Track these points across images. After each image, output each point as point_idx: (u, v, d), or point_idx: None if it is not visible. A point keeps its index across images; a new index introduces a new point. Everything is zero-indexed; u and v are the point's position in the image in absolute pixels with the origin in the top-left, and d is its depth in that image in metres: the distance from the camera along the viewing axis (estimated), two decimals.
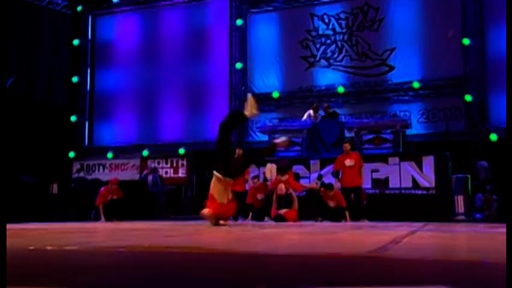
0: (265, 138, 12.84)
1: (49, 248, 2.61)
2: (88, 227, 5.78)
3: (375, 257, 1.92)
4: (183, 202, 14.57)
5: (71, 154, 15.56)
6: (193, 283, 1.46)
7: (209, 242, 3.18)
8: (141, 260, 2.08)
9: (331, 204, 9.16)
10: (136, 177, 14.39)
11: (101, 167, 15.25)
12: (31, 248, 2.55)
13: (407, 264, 1.72)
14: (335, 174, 9.58)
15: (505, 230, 5.06)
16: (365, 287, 1.32)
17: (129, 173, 14.81)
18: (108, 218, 10.13)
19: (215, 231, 4.70)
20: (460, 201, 10.21)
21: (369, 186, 10.30)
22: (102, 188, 10.70)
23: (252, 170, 10.27)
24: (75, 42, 16.25)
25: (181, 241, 3.25)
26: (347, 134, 11.52)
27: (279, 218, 8.66)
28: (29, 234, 4.07)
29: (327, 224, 7.40)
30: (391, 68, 13.53)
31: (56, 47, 15.93)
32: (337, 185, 9.36)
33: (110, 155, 15.28)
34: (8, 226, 5.42)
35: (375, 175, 10.49)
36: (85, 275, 1.61)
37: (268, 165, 9.36)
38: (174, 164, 14.70)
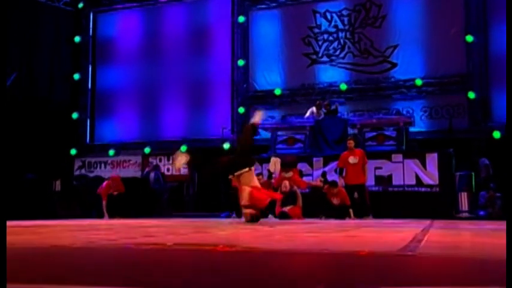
0: (267, 135, 12.81)
1: (76, 245, 2.58)
2: (97, 224, 5.76)
3: (414, 255, 1.89)
4: (185, 199, 14.56)
5: (73, 151, 15.52)
6: (243, 283, 1.43)
7: (232, 239, 3.15)
8: (182, 258, 2.04)
9: (335, 201, 9.15)
10: (138, 174, 14.37)
11: (103, 164, 15.22)
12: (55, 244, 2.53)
13: (450, 263, 1.69)
14: (339, 171, 9.56)
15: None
16: (424, 286, 1.29)
17: (131, 170, 14.79)
18: (111, 215, 10.12)
19: (227, 228, 4.68)
20: (463, 199, 10.19)
21: (372, 183, 10.29)
22: (104, 183, 10.74)
23: (256, 168, 10.22)
24: (77, 39, 16.20)
25: (203, 238, 3.22)
26: (350, 131, 11.50)
27: (283, 215, 8.64)
28: (41, 231, 4.04)
29: (334, 222, 7.38)
30: (394, 65, 13.49)
31: (57, 44, 15.87)
32: (341, 182, 9.35)
33: (111, 152, 15.25)
34: (15, 223, 5.40)
35: (378, 172, 10.49)
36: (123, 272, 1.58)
37: (273, 158, 9.31)
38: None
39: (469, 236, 3.54)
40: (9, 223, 4.99)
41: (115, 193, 10.63)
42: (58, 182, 11.47)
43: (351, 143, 9.49)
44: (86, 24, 16.39)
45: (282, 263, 1.84)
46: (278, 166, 9.11)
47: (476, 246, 2.63)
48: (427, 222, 6.45)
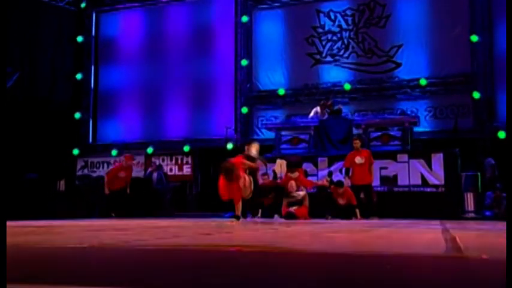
0: (271, 135, 12.76)
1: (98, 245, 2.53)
2: (108, 224, 5.68)
3: (463, 257, 1.84)
4: (188, 199, 14.51)
5: (75, 151, 15.46)
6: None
7: (264, 239, 3.08)
8: (224, 261, 1.99)
9: (341, 201, 9.10)
10: (141, 174, 14.31)
11: (105, 164, 15.15)
12: (85, 245, 2.47)
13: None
14: (345, 171, 9.51)
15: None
16: None
17: (134, 170, 14.69)
18: (107, 214, 10.06)
19: (244, 229, 4.63)
20: (469, 199, 10.14)
21: (378, 183, 10.24)
22: (116, 164, 10.61)
23: (261, 168, 10.18)
24: (79, 38, 16.13)
25: (234, 239, 3.16)
26: (354, 131, 11.45)
27: (290, 216, 8.59)
28: (57, 232, 3.99)
29: (343, 222, 7.32)
30: (398, 65, 13.45)
31: (60, 43, 15.81)
32: (347, 182, 9.30)
33: (114, 152, 15.18)
34: (24, 223, 5.35)
35: (384, 172, 10.44)
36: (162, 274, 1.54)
37: (278, 160, 9.30)
38: (179, 161, 14.63)
39: (499, 238, 3.47)
40: (20, 223, 4.94)
41: (123, 175, 10.53)
42: (62, 182, 11.40)
43: (357, 143, 9.45)
44: (88, 24, 16.32)
45: (346, 266, 1.78)
46: (284, 168, 9.08)
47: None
48: (437, 222, 6.40)
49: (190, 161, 14.57)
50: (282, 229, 4.54)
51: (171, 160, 14.65)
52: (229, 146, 13.83)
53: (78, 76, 16.02)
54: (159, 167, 13.80)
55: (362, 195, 9.17)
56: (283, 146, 11.75)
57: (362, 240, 3.06)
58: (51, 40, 15.59)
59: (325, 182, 9.40)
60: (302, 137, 11.75)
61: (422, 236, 3.29)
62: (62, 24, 15.93)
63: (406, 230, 4.31)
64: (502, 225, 5.97)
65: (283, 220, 8.48)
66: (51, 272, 1.56)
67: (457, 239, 2.73)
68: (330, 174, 9.77)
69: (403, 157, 10.47)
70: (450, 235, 3.10)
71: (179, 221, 7.39)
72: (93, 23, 16.39)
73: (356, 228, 4.76)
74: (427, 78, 12.96)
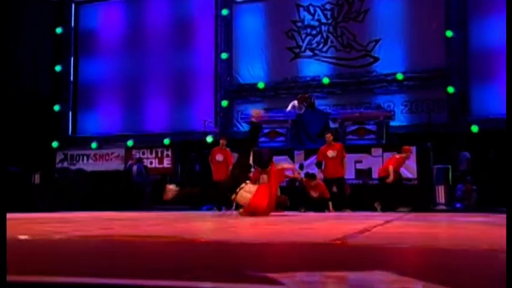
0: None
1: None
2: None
3: (337, 244, 1.98)
4: None
5: (54, 144, 15.42)
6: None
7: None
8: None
9: (314, 194, 9.24)
10: (121, 167, 14.33)
11: (85, 157, 15.15)
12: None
13: (364, 251, 1.77)
14: (318, 165, 9.65)
15: (478, 219, 5.21)
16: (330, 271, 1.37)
17: (114, 163, 14.75)
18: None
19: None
20: (441, 192, 10.37)
21: (353, 176, 10.42)
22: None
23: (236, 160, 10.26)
24: (58, 30, 16.03)
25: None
26: (331, 125, 11.60)
27: None
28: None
29: (310, 215, 7.47)
30: (376, 60, 13.60)
31: (41, 35, 15.68)
32: (320, 175, 9.45)
33: (94, 145, 15.18)
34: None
35: (358, 166, 10.62)
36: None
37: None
38: (159, 154, 14.67)
39: (416, 228, 3.64)
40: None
41: None
42: (37, 175, 11.36)
43: (329, 137, 9.60)
44: (67, 16, 16.22)
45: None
46: None
47: (407, 235, 2.72)
48: (400, 214, 6.58)
49: (170, 154, 14.63)
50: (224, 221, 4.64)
51: (151, 153, 14.69)
52: (209, 139, 13.92)
53: (58, 68, 15.94)
54: (139, 160, 13.82)
55: (334, 188, 9.32)
56: (262, 139, 11.85)
57: (281, 231, 3.18)
58: (32, 31, 15.45)
59: (296, 175, 9.50)
60: (280, 130, 11.88)
61: (348, 227, 3.42)
62: (42, 15, 15.79)
63: (350, 221, 4.44)
64: (460, 217, 6.15)
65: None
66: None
67: (373, 230, 2.88)
68: (301, 167, 9.90)
69: (378, 151, 10.65)
70: (374, 226, 3.24)
71: (165, 214, 7.45)
72: (72, 15, 16.29)
73: (308, 220, 4.87)
74: (403, 73, 13.14)
